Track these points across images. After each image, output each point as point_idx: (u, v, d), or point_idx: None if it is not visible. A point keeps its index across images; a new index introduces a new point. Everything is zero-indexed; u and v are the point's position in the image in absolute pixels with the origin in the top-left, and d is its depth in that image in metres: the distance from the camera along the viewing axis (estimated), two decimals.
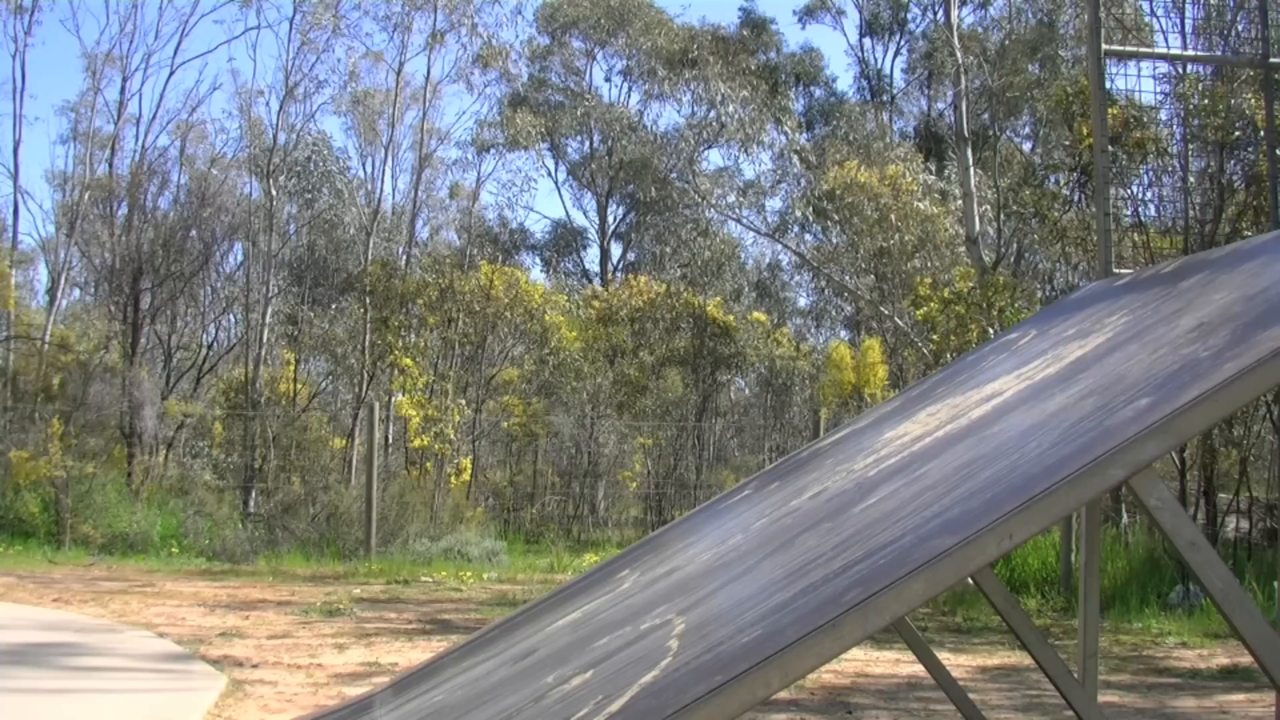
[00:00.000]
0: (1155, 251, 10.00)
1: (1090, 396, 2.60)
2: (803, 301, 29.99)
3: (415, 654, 6.67)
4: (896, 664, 6.73)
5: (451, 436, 16.35)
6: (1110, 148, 6.62)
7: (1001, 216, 18.30)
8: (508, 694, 2.92)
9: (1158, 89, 10.04)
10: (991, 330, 12.55)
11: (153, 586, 10.09)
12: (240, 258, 20.84)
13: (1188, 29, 10.48)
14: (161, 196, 20.17)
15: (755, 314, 22.41)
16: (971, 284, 14.31)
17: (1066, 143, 13.47)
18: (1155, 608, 8.94)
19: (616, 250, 31.10)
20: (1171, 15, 11.04)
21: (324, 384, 21.36)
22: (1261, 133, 9.36)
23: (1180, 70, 9.96)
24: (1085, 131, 11.81)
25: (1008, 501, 2.07)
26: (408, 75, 20.36)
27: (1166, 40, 10.94)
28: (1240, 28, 9.40)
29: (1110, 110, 7.43)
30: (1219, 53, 9.62)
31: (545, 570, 12.08)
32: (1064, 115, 12.86)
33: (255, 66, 30.43)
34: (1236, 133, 9.95)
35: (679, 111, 28.42)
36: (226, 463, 16.75)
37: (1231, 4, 9.40)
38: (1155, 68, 9.50)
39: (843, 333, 27.83)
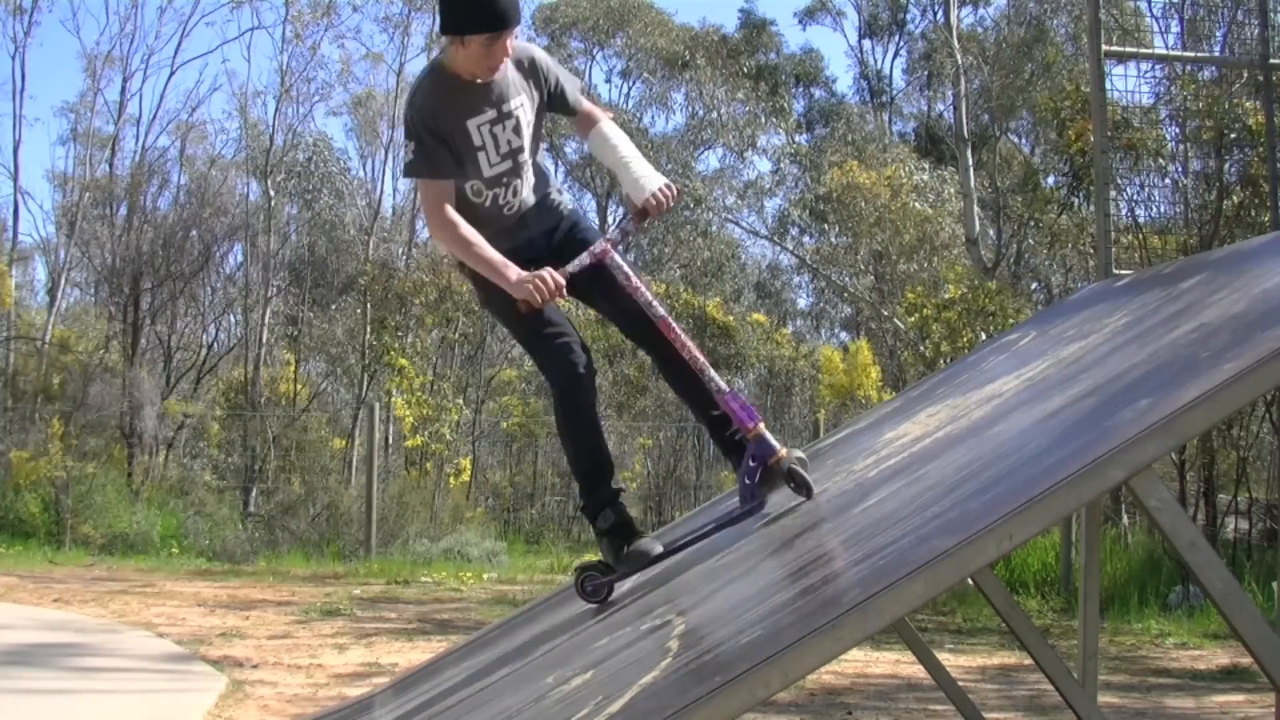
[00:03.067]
0: (1151, 252, 10.01)
1: (1090, 397, 2.60)
2: (802, 303, 29.99)
3: (415, 654, 6.67)
4: (896, 664, 6.73)
5: (449, 436, 16.35)
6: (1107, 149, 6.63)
7: (1001, 217, 18.32)
8: (508, 694, 2.92)
9: (1153, 90, 10.04)
10: (984, 335, 12.57)
11: (153, 587, 10.09)
12: (240, 258, 20.86)
13: (1186, 30, 10.49)
14: (161, 197, 20.22)
15: (755, 315, 22.41)
16: (964, 289, 14.32)
17: (1059, 145, 13.49)
18: (1155, 608, 8.93)
19: None
20: (1169, 17, 11.05)
21: (324, 384, 21.36)
22: (1255, 134, 9.38)
23: (1179, 71, 9.96)
24: (1074, 136, 11.83)
25: (1007, 502, 2.07)
26: (408, 76, 20.38)
27: (1166, 41, 10.95)
28: (1242, 30, 9.39)
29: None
30: (1218, 53, 9.61)
31: (545, 571, 12.07)
32: (1055, 118, 12.87)
33: (250, 68, 30.42)
34: (1232, 134, 9.95)
35: (671, 119, 28.46)
36: (226, 463, 16.75)
37: (1230, 5, 9.40)
38: (1153, 68, 9.49)
39: (843, 334, 27.82)
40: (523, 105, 3.40)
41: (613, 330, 19.18)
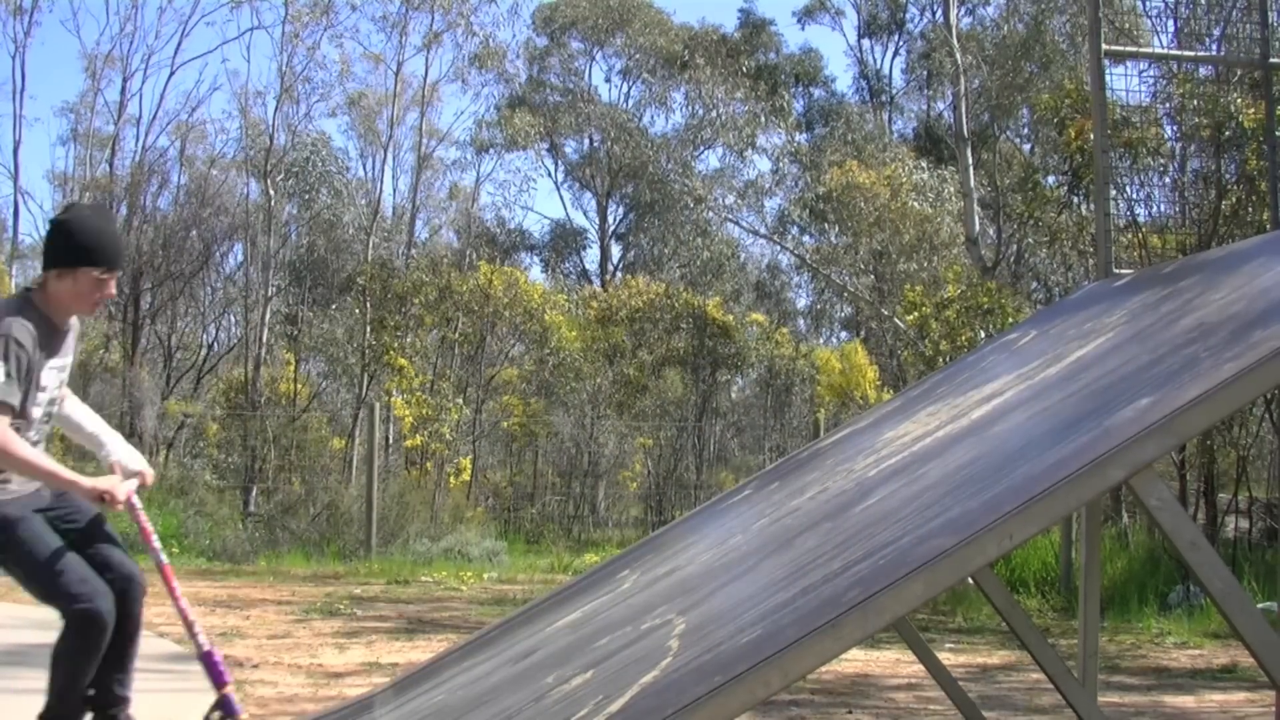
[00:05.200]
0: (1150, 251, 10.01)
1: (1090, 396, 2.60)
2: (802, 302, 30.02)
3: (415, 654, 6.67)
4: (896, 664, 6.73)
5: (449, 436, 16.34)
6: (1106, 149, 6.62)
7: (1001, 217, 18.32)
8: (508, 694, 2.92)
9: (1149, 89, 10.03)
10: (983, 334, 12.57)
11: (153, 586, 10.08)
12: (240, 258, 20.86)
13: (1184, 30, 10.48)
14: (161, 197, 20.21)
15: (754, 315, 22.40)
16: (962, 288, 14.31)
17: (1059, 144, 13.48)
18: (1155, 608, 8.94)
19: (616, 251, 31.12)
20: (1164, 18, 11.05)
21: (324, 384, 21.36)
22: (1250, 132, 9.38)
23: (1176, 70, 9.96)
24: (1073, 135, 11.83)
25: (1008, 501, 2.07)
26: (407, 76, 20.37)
27: (1173, 39, 10.94)
28: (1238, 28, 9.38)
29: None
30: (1217, 53, 9.61)
31: (545, 570, 12.07)
32: (1055, 117, 12.86)
33: (250, 68, 30.44)
34: (1227, 133, 9.96)
35: (670, 118, 28.43)
36: (226, 463, 16.74)
37: (1233, 5, 9.39)
38: (1150, 67, 9.48)
39: (843, 334, 27.83)
40: (67, 366, 3.54)
41: (612, 330, 19.24)
